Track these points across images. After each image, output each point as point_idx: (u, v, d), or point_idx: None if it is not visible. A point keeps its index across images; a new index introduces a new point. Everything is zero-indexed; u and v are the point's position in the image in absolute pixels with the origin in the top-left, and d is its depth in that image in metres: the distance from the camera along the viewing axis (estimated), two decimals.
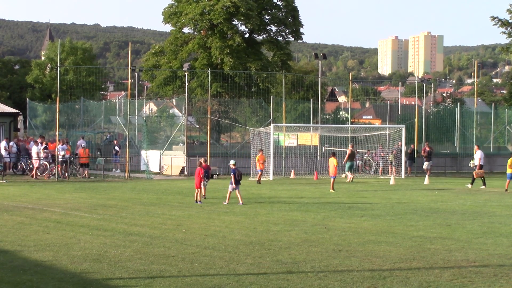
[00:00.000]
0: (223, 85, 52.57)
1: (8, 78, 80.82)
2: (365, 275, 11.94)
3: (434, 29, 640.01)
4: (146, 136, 42.23)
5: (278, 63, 56.80)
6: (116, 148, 43.14)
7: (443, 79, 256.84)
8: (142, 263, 12.78)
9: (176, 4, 56.32)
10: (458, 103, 60.78)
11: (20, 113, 50.14)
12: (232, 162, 24.86)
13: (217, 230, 17.37)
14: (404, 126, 42.60)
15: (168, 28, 59.01)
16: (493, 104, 58.19)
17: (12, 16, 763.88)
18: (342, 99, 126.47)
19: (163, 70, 54.60)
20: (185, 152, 40.48)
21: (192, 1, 54.34)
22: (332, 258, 13.49)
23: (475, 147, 36.31)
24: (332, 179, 30.45)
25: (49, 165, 36.65)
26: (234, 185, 23.91)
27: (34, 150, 36.81)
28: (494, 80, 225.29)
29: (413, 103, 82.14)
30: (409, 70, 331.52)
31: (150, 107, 67.77)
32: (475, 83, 63.40)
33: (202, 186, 24.61)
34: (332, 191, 29.80)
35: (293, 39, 58.77)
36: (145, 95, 64.93)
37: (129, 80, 45.76)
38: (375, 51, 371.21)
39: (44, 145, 37.27)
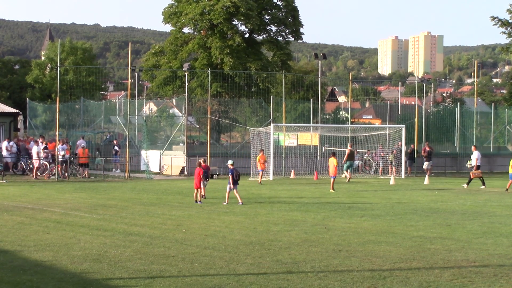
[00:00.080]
0: (223, 85, 52.57)
1: (8, 78, 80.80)
2: (365, 275, 11.94)
3: (434, 29, 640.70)
4: (146, 136, 42.23)
5: (278, 63, 56.80)
6: (116, 148, 43.14)
7: (443, 79, 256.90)
8: (142, 263, 12.78)
9: (176, 4, 56.32)
10: (458, 103, 60.75)
11: (20, 113, 50.11)
12: (230, 162, 24.84)
13: (217, 230, 17.38)
14: (404, 126, 42.60)
15: (168, 28, 59.09)
16: (493, 104, 58.19)
17: (12, 16, 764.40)
18: (342, 99, 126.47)
19: (163, 70, 54.60)
20: (185, 152, 40.48)
21: (192, 1, 54.34)
22: (332, 258, 13.49)
23: (472, 147, 36.33)
24: (332, 179, 30.46)
25: (49, 165, 36.66)
26: (232, 185, 23.90)
27: (34, 150, 36.81)
28: (494, 80, 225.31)
29: (413, 103, 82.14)
30: (409, 70, 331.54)
31: (150, 107, 67.77)
32: (475, 83, 63.41)
33: (202, 186, 24.61)
34: (332, 191, 29.81)
35: (293, 39, 58.77)
36: (145, 95, 64.93)
37: (129, 80, 45.75)
38: (375, 51, 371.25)
39: (44, 145, 37.30)
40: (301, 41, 63.72)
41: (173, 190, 29.91)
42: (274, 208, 22.76)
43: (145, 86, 76.03)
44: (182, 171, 40.04)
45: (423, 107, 49.61)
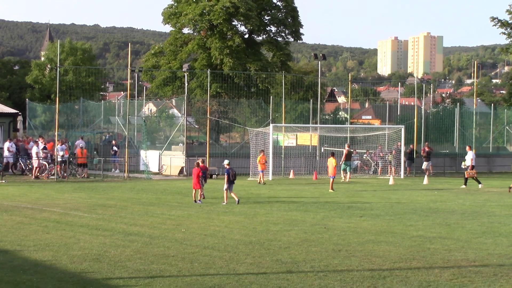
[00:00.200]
0: (222, 86, 52.55)
1: (8, 78, 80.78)
2: (365, 275, 11.95)
3: (434, 29, 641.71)
4: (145, 136, 42.22)
5: (277, 63, 56.79)
6: (115, 148, 43.13)
7: (443, 80, 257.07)
8: (142, 263, 12.78)
9: (175, 4, 56.32)
10: (458, 104, 60.74)
11: (20, 113, 50.12)
12: (226, 161, 24.97)
13: (217, 230, 17.38)
14: (403, 126, 42.59)
15: (167, 28, 59.11)
16: (492, 104, 58.24)
17: (11, 16, 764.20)
18: (341, 99, 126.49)
19: (163, 70, 54.59)
20: (184, 152, 40.48)
21: (192, 1, 54.34)
22: (332, 258, 13.49)
23: (467, 147, 36.38)
24: (331, 179, 30.46)
25: (48, 165, 36.65)
26: (226, 185, 23.95)
27: (34, 150, 36.82)
28: (494, 81, 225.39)
29: (412, 103, 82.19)
30: (409, 70, 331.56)
31: (149, 108, 67.71)
32: (475, 84, 63.38)
33: (201, 186, 24.63)
34: (331, 191, 29.82)
35: (292, 39, 58.76)
36: (144, 95, 64.88)
37: (129, 81, 45.72)
38: (374, 52, 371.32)
39: (43, 145, 37.31)
40: (300, 41, 63.75)
41: (172, 190, 29.92)
42: (274, 208, 22.76)
43: (144, 87, 75.94)
44: (181, 171, 40.04)
45: (423, 107, 49.60)
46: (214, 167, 38.68)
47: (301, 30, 58.05)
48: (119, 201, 24.95)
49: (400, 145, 41.61)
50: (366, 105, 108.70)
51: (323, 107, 62.87)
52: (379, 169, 42.60)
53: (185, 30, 56.74)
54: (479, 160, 46.29)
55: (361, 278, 11.68)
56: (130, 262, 12.88)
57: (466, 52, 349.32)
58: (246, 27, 55.66)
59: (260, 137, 39.36)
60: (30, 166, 37.50)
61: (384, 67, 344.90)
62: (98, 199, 25.34)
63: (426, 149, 42.78)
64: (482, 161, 47.63)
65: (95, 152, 43.62)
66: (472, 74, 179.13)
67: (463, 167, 35.25)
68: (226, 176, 24.02)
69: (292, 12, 56.87)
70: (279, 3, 56.91)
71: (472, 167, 34.28)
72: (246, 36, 56.39)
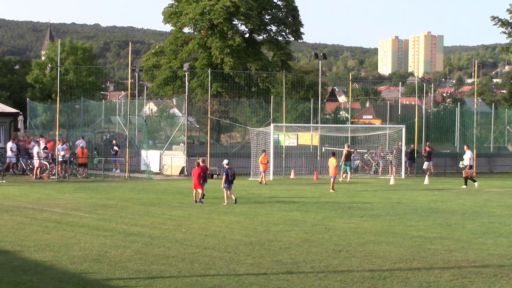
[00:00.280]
0: (223, 85, 52.54)
1: (8, 78, 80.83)
2: (365, 275, 11.95)
3: (434, 29, 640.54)
4: (146, 136, 42.23)
5: (278, 63, 56.78)
6: (115, 148, 43.14)
7: (443, 79, 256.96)
8: (142, 264, 12.78)
9: (176, 4, 56.30)
10: (458, 103, 60.76)
11: (20, 113, 50.08)
12: (225, 161, 25.00)
13: (217, 230, 17.38)
14: (404, 126, 42.60)
15: (168, 28, 59.04)
16: (493, 104, 58.18)
17: (12, 16, 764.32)
18: (342, 99, 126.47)
19: (163, 70, 54.58)
20: (185, 152, 40.49)
21: (192, 1, 54.30)
22: (332, 258, 13.49)
23: (465, 146, 36.41)
24: (332, 179, 30.47)
25: (49, 165, 36.67)
26: (223, 184, 23.97)
27: (35, 150, 36.83)
28: (494, 80, 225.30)
29: (413, 103, 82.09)
30: (409, 70, 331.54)
31: (150, 107, 67.78)
32: (475, 83, 63.35)
33: (201, 186, 24.63)
34: (332, 191, 29.82)
35: (293, 39, 58.74)
36: (145, 95, 64.95)
37: (129, 80, 45.77)
38: (375, 51, 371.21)
39: (44, 145, 37.33)
40: (301, 41, 63.73)
41: (173, 190, 29.92)
42: (274, 208, 22.76)
43: (145, 86, 76.03)
44: (182, 171, 40.05)
45: (423, 107, 49.61)
46: (215, 167, 38.68)
47: (302, 30, 58.06)
48: (120, 201, 24.96)
49: (401, 145, 41.61)
50: (367, 104, 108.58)
51: (323, 106, 62.93)
52: (380, 169, 42.59)
53: (186, 30, 56.75)
54: (480, 160, 46.36)
55: (361, 279, 11.68)
56: (131, 262, 12.88)
57: (466, 51, 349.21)
58: (246, 27, 55.64)
59: (261, 137, 39.37)
60: (31, 166, 37.52)
61: (385, 67, 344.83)
62: (98, 199, 25.35)
63: (427, 149, 42.78)
64: (483, 161, 47.66)
65: (95, 152, 43.64)
66: (472, 74, 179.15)
67: (461, 166, 35.30)
68: (224, 176, 24.08)
69: (293, 12, 56.85)
70: (279, 3, 56.89)
71: (470, 167, 34.30)
72: (247, 35, 56.37)
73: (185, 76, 46.22)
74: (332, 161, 30.88)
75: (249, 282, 11.34)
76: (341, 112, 72.13)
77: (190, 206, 23.23)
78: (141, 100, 54.69)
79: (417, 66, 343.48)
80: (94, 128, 50.97)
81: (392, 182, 35.86)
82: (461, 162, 35.38)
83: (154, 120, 53.91)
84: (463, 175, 33.74)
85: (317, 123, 47.51)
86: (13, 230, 17.01)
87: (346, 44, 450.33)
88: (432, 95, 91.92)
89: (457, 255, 14.04)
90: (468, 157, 34.56)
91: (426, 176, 37.99)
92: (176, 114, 58.26)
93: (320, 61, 50.61)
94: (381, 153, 43.30)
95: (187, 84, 43.86)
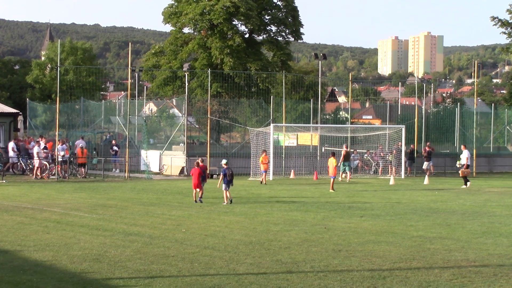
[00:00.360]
0: (223, 85, 52.56)
1: (8, 78, 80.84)
2: (365, 275, 11.95)
3: (434, 29, 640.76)
4: (146, 137, 42.23)
5: (278, 63, 56.80)
6: (115, 148, 43.14)
7: (443, 79, 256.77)
8: (142, 263, 12.78)
9: (176, 4, 56.33)
10: (458, 103, 60.78)
11: (20, 113, 50.09)
12: (224, 161, 25.03)
13: (217, 230, 17.38)
14: (404, 126, 42.60)
15: (168, 28, 59.09)
16: (493, 104, 58.21)
17: (12, 16, 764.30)
18: (342, 99, 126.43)
19: (163, 70, 54.59)
20: (185, 152, 40.49)
21: (192, 1, 54.34)
22: (332, 258, 13.49)
23: (462, 146, 36.40)
24: (331, 179, 30.47)
25: (49, 165, 36.67)
26: (220, 184, 23.96)
27: (35, 150, 36.84)
28: (494, 80, 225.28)
29: (413, 103, 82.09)
30: (409, 70, 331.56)
31: (150, 107, 67.82)
32: (475, 83, 63.30)
33: (201, 186, 24.64)
34: (332, 191, 29.82)
35: (293, 39, 58.78)
36: (145, 95, 64.91)
37: (129, 80, 45.76)
38: (375, 51, 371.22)
39: (44, 145, 37.34)
40: (301, 41, 63.74)
41: (173, 190, 29.92)
42: (274, 208, 22.76)
43: (145, 86, 76.02)
44: (182, 171, 40.05)
45: (423, 107, 49.61)
46: (215, 167, 38.66)
47: (302, 30, 58.13)
48: (120, 201, 24.96)
49: (401, 145, 41.61)
50: (367, 105, 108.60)
51: (323, 107, 62.91)
52: (380, 169, 42.59)
53: (186, 30, 56.79)
54: (480, 160, 46.37)
55: (361, 278, 11.68)
56: (130, 262, 12.89)
57: (466, 51, 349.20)
58: (246, 27, 55.68)
59: (261, 137, 39.37)
60: (30, 166, 37.52)
61: (385, 67, 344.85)
62: (98, 199, 25.34)
63: (427, 149, 42.78)
64: (483, 161, 47.65)
65: (94, 152, 43.64)
66: (472, 74, 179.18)
67: (458, 165, 35.32)
68: (221, 176, 24.09)
69: (293, 12, 56.88)
70: (279, 3, 56.93)
71: (467, 166, 34.32)
72: (247, 35, 56.40)
73: (185, 76, 46.24)
74: (331, 161, 30.89)
75: (249, 282, 11.34)
76: (341, 112, 72.12)
77: (190, 206, 23.23)
78: (141, 100, 54.70)
79: (417, 66, 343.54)
80: (94, 128, 50.97)
81: (392, 182, 35.87)
82: (458, 162, 35.40)
83: (154, 120, 53.92)
84: (460, 175, 33.74)
85: (317, 123, 47.51)
86: (13, 230, 17.01)
87: (346, 45, 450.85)
88: (432, 95, 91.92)
89: (457, 254, 14.04)
90: (465, 157, 34.58)
91: (426, 176, 37.99)
92: (176, 114, 58.27)
93: (320, 62, 50.61)
94: (381, 153, 43.30)
95: (187, 84, 43.87)
